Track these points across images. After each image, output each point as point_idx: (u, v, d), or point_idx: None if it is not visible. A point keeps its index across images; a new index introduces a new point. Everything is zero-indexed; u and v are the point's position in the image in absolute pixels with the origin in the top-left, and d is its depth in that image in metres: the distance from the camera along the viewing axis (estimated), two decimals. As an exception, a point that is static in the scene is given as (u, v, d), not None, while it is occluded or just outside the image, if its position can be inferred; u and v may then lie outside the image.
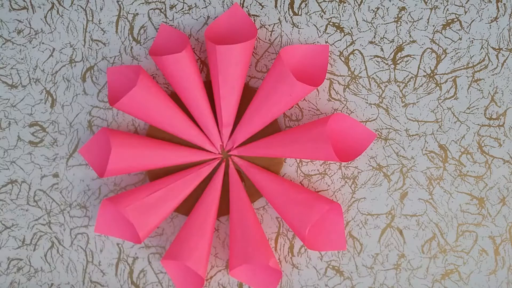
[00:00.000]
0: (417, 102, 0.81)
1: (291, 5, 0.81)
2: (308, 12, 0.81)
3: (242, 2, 0.81)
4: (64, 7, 0.83)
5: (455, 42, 0.80)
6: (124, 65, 0.80)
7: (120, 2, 0.82)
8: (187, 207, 0.83)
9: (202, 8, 0.82)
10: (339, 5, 0.80)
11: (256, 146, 0.81)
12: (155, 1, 0.82)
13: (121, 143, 0.77)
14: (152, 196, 0.79)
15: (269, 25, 0.81)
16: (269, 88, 0.77)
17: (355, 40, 0.81)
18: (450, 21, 0.80)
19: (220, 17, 0.80)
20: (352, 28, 0.80)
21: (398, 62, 0.81)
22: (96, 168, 0.80)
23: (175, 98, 0.82)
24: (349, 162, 0.81)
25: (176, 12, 0.82)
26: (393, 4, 0.80)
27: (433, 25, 0.80)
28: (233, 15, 0.80)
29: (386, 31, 0.80)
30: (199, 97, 0.79)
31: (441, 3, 0.80)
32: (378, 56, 0.81)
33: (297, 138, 0.77)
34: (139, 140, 0.80)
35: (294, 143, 0.77)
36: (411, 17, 0.80)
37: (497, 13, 0.80)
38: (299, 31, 0.81)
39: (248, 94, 0.81)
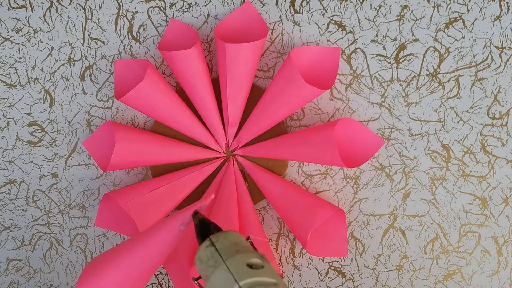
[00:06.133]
0: (419, 101, 0.80)
1: (293, 3, 0.80)
2: (309, 10, 0.80)
3: None
4: (63, 6, 0.82)
5: (458, 41, 0.79)
6: (132, 59, 0.80)
7: (119, 1, 0.81)
8: (188, 204, 0.83)
9: (202, 6, 0.81)
10: (341, 3, 0.79)
11: (261, 147, 0.80)
12: (155, -1, 0.81)
13: (126, 137, 0.77)
14: (154, 192, 0.78)
15: (270, 23, 0.80)
16: (278, 89, 0.76)
17: (357, 39, 0.80)
18: (453, 19, 0.79)
19: (231, 14, 0.79)
20: (354, 26, 0.80)
21: (400, 61, 0.80)
22: (99, 162, 0.80)
23: (182, 95, 0.81)
24: (351, 162, 0.81)
25: (176, 10, 0.81)
26: (395, 2, 0.79)
27: (436, 24, 0.79)
28: (244, 13, 0.79)
29: (388, 30, 0.80)
30: (206, 94, 0.78)
31: (444, 1, 0.79)
32: (380, 55, 0.80)
33: (302, 141, 0.77)
34: (143, 135, 0.79)
35: (300, 146, 0.77)
36: (414, 15, 0.79)
37: (500, 12, 0.79)
38: (300, 29, 0.80)
39: (255, 94, 0.81)
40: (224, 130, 0.81)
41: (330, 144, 0.73)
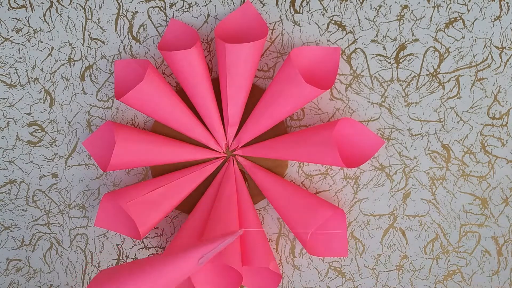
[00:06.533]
0: (419, 101, 0.80)
1: (293, 3, 0.80)
2: (309, 10, 0.80)
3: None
4: (63, 6, 0.82)
5: (458, 41, 0.80)
6: (132, 59, 0.80)
7: (119, 0, 0.81)
8: (188, 204, 0.83)
9: (202, 6, 0.81)
10: (341, 3, 0.80)
11: (261, 147, 0.80)
12: (155, -1, 0.82)
13: (126, 137, 0.77)
14: (154, 192, 0.78)
15: (270, 23, 0.81)
16: (278, 89, 0.76)
17: (357, 39, 0.80)
18: (453, 19, 0.79)
19: (231, 14, 0.79)
20: (354, 26, 0.80)
21: (400, 61, 0.80)
22: (99, 161, 0.80)
23: (182, 94, 0.81)
24: (351, 162, 0.81)
25: (176, 10, 0.81)
26: (395, 2, 0.79)
27: (436, 24, 0.79)
28: (244, 13, 0.79)
29: (388, 30, 0.80)
30: (206, 94, 0.78)
31: (444, 1, 0.79)
32: (380, 55, 0.80)
33: (303, 141, 0.77)
34: (143, 135, 0.79)
35: (300, 146, 0.77)
36: (414, 15, 0.79)
37: (500, 12, 0.79)
38: (300, 29, 0.80)
39: (255, 94, 0.81)
40: (224, 130, 0.81)
41: (330, 144, 0.73)
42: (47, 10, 0.82)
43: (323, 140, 0.74)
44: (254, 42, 0.74)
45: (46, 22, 0.83)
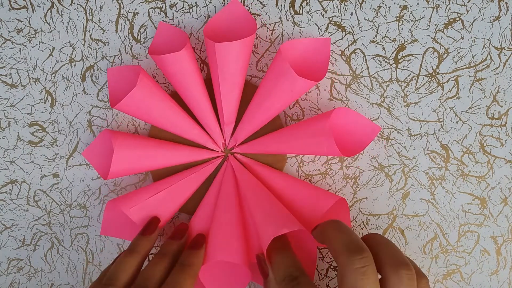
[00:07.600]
0: (419, 101, 0.81)
1: (292, 4, 0.80)
2: (309, 11, 0.80)
3: (242, 1, 0.81)
4: (64, 6, 0.82)
5: (457, 41, 0.80)
6: (123, 66, 0.80)
7: (120, 1, 0.82)
8: (190, 205, 0.83)
9: (203, 7, 0.81)
10: (340, 3, 0.80)
11: (258, 143, 0.81)
12: (155, 0, 0.82)
13: (123, 144, 0.77)
14: (156, 196, 0.79)
15: (270, 24, 0.81)
16: (270, 85, 0.76)
17: (356, 39, 0.80)
18: (452, 20, 0.80)
19: (219, 13, 0.79)
20: (353, 27, 0.80)
21: (400, 61, 0.80)
22: (100, 170, 0.80)
23: (176, 97, 0.82)
24: (351, 162, 0.81)
25: (177, 11, 0.82)
26: (394, 3, 0.79)
27: (435, 24, 0.80)
28: (232, 11, 0.79)
29: (388, 30, 0.80)
30: (200, 95, 0.78)
31: (443, 2, 0.79)
32: (379, 56, 0.80)
33: (299, 133, 0.77)
34: (141, 141, 0.79)
35: (296, 138, 0.77)
36: (413, 16, 0.79)
37: (499, 12, 0.79)
38: (300, 30, 0.81)
39: (249, 91, 0.81)
40: (221, 129, 0.82)
41: (326, 133, 0.73)
42: (48, 10, 0.83)
43: (319, 129, 0.74)
44: (243, 39, 0.74)
45: (47, 22, 0.83)
